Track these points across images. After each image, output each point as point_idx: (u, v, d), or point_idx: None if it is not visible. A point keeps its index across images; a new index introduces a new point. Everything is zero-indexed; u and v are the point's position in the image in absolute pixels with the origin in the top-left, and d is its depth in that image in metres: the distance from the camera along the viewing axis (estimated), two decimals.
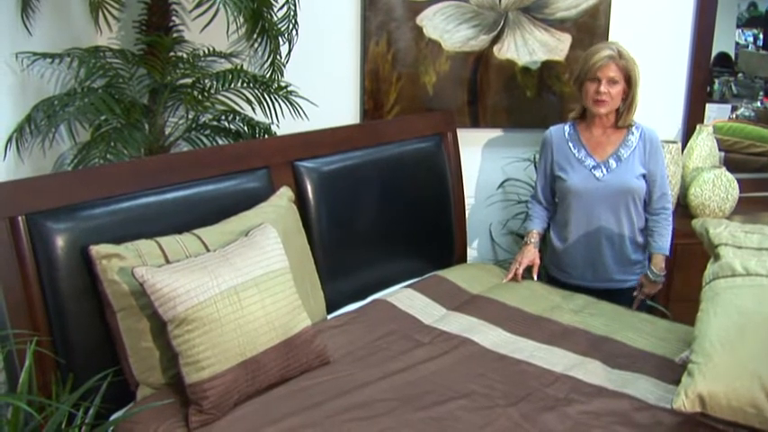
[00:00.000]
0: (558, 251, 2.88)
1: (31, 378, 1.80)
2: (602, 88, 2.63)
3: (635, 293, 2.83)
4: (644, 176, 2.73)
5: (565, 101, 3.45)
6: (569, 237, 2.82)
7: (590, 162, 2.75)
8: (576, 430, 1.88)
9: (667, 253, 2.79)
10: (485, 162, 3.55)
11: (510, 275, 2.88)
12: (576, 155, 2.77)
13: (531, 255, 2.90)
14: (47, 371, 1.95)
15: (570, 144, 2.80)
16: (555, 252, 2.91)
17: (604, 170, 2.72)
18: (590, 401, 2.01)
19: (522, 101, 3.47)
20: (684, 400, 1.83)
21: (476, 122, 3.48)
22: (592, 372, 2.17)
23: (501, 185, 3.60)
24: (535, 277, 2.89)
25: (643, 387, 2.08)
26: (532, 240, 2.92)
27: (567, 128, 2.85)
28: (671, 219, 2.80)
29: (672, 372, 2.14)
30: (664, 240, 2.77)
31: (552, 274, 2.98)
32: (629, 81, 2.67)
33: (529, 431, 1.88)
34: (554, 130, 2.88)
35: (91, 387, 1.86)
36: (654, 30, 3.48)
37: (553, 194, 2.91)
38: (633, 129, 2.76)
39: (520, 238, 3.61)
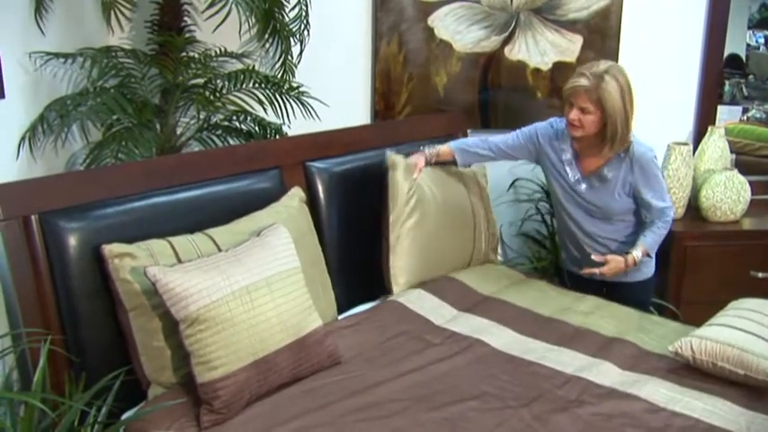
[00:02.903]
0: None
1: (44, 376, 1.80)
2: (572, 115, 2.50)
3: (594, 257, 2.62)
4: (633, 196, 2.60)
5: None
6: (560, 230, 2.86)
7: (575, 174, 2.64)
8: None
9: (649, 248, 2.62)
10: (495, 163, 3.53)
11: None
12: (563, 156, 2.66)
13: (415, 156, 2.76)
14: (59, 369, 1.96)
15: (559, 140, 2.67)
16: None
17: (587, 187, 2.63)
18: (601, 403, 2.00)
19: (532, 102, 3.47)
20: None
21: (486, 123, 3.48)
22: (603, 373, 2.16)
23: (511, 186, 3.59)
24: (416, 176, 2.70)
25: (654, 389, 2.07)
26: (429, 150, 2.81)
27: (561, 122, 2.68)
28: (667, 225, 2.64)
29: (683, 374, 2.14)
30: (652, 237, 2.61)
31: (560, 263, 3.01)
32: (605, 111, 2.44)
33: None
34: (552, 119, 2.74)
35: (103, 386, 1.86)
36: (665, 31, 3.47)
37: (509, 152, 2.80)
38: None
39: (530, 239, 3.62)
